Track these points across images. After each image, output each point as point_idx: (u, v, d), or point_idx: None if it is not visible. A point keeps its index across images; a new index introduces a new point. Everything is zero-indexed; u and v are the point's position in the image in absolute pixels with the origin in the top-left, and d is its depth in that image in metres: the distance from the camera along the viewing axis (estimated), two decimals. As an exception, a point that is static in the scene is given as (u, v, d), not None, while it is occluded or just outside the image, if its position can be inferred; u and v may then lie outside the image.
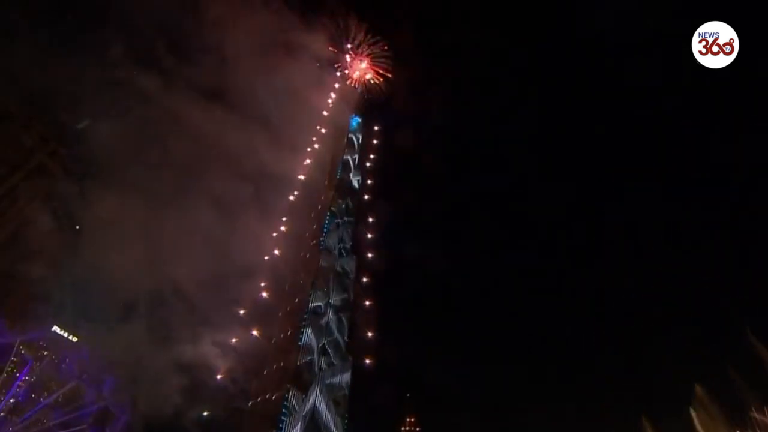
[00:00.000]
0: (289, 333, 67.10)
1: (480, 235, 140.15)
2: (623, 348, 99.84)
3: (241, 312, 69.63)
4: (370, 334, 69.82)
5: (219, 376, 63.69)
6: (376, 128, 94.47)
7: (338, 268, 73.85)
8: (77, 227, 64.19)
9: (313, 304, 67.30)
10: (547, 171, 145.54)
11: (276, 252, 75.23)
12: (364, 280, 75.97)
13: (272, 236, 76.46)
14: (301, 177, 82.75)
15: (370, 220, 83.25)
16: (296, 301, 70.66)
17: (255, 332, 68.01)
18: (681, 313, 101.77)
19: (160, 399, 55.87)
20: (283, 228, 77.81)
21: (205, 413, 59.43)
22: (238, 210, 69.30)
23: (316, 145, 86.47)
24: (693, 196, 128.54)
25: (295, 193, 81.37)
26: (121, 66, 64.81)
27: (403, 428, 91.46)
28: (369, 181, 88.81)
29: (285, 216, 78.88)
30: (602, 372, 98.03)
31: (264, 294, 71.95)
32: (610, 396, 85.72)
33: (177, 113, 65.79)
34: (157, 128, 65.37)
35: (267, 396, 62.24)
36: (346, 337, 69.24)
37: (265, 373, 65.65)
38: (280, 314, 71.26)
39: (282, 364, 64.07)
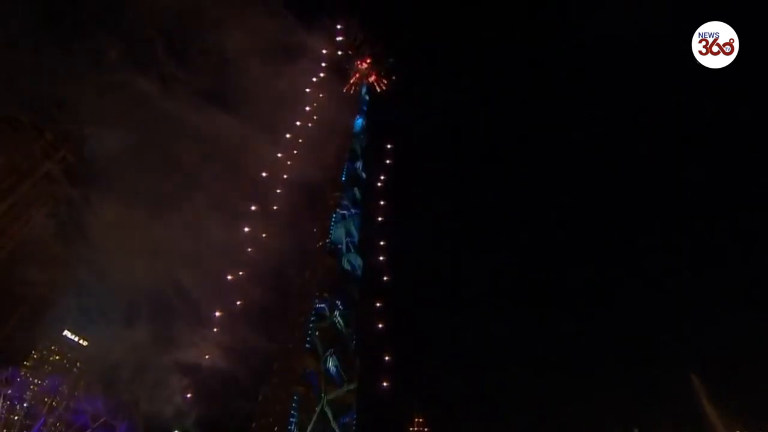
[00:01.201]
0: (295, 335, 67.12)
1: (481, 235, 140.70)
2: (624, 348, 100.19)
3: (245, 315, 69.54)
4: (377, 335, 69.61)
5: (219, 379, 63.51)
6: (379, 127, 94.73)
7: (345, 266, 73.45)
8: (84, 232, 64.57)
9: (319, 305, 67.01)
10: (547, 170, 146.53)
11: (281, 253, 75.12)
12: (370, 279, 75.38)
13: (276, 237, 76.40)
14: (306, 178, 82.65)
15: (376, 216, 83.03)
16: (302, 302, 70.62)
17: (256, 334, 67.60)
18: (682, 312, 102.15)
19: (162, 400, 56.13)
20: (288, 229, 77.74)
21: None
22: (241, 212, 69.54)
23: (320, 146, 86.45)
24: (693, 195, 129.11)
25: (300, 194, 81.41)
26: (127, 73, 65.26)
27: (411, 429, 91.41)
28: (374, 179, 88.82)
29: (290, 217, 78.85)
30: (603, 373, 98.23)
31: (269, 296, 71.91)
32: (611, 397, 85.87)
33: (179, 116, 66.13)
34: (160, 131, 65.67)
35: (274, 399, 62.40)
36: (352, 338, 69.23)
37: (271, 376, 65.81)
38: (285, 316, 71.34)
39: (288, 366, 64.21)
